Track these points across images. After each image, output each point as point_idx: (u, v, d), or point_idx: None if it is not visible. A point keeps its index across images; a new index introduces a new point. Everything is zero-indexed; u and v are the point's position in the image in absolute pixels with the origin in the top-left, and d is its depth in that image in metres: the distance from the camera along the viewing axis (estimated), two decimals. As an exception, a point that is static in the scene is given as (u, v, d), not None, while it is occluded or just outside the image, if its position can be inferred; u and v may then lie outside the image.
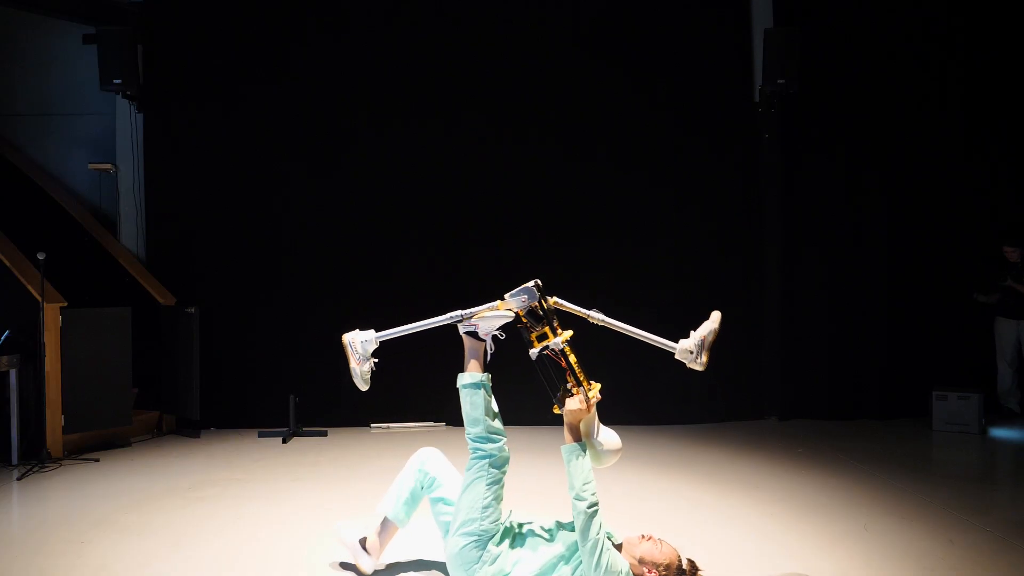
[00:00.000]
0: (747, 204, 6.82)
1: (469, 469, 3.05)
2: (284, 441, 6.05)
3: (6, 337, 5.31)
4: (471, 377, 3.10)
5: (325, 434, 6.26)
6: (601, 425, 3.03)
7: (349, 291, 6.56)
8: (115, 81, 6.40)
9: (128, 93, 6.56)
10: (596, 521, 2.75)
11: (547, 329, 3.01)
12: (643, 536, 2.90)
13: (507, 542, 2.99)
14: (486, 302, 3.16)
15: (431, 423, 6.57)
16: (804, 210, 6.79)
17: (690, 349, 3.09)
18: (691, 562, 2.88)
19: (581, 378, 2.94)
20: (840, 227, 6.77)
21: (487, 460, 3.02)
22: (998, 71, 6.77)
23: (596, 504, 2.77)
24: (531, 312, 3.03)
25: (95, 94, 6.82)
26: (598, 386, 2.96)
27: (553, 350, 2.97)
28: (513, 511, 3.16)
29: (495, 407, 3.13)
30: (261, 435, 6.20)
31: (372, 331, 3.26)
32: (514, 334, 3.11)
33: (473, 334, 3.15)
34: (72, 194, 7.23)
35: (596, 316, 3.14)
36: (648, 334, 3.17)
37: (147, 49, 6.64)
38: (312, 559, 3.61)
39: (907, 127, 6.75)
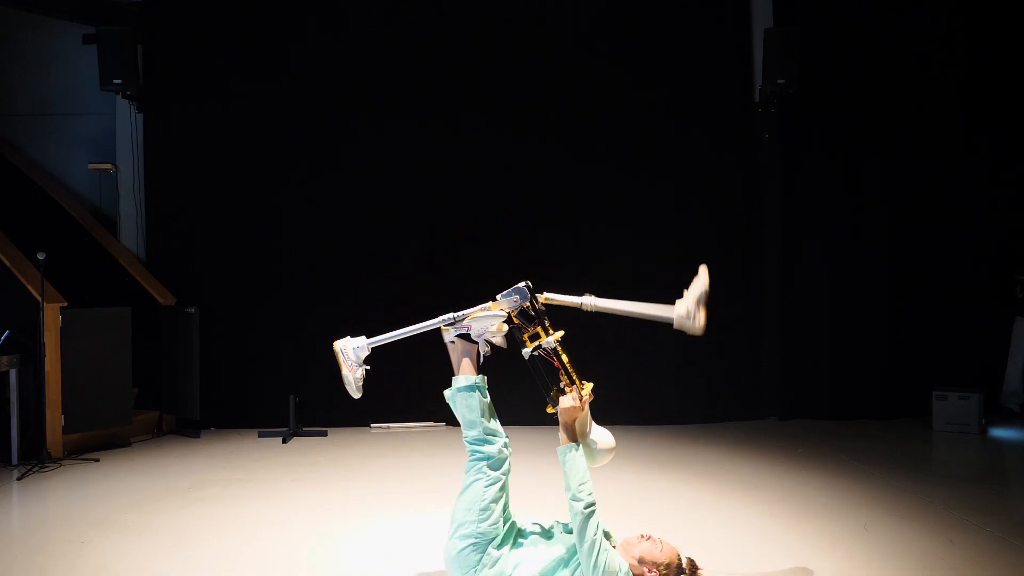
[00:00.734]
0: (747, 204, 6.81)
1: (467, 471, 3.03)
2: (284, 441, 6.05)
3: (6, 337, 5.31)
4: (466, 380, 3.09)
5: (325, 434, 6.26)
6: (594, 424, 3.04)
7: (349, 291, 6.56)
8: (115, 81, 6.40)
9: (128, 93, 6.56)
10: (593, 521, 2.74)
11: (539, 329, 3.02)
12: (642, 536, 2.89)
13: (507, 544, 2.97)
14: (486, 301, 3.17)
15: (431, 423, 6.57)
16: (804, 210, 6.79)
17: (685, 313, 3.05)
18: (691, 561, 2.87)
19: (574, 376, 2.95)
20: (840, 227, 6.76)
21: (485, 462, 2.99)
22: (998, 71, 6.77)
23: (593, 504, 2.77)
24: (523, 312, 3.05)
25: (95, 94, 6.82)
26: (590, 385, 2.98)
27: (545, 349, 2.99)
28: (513, 512, 3.15)
29: (492, 408, 3.11)
30: (261, 435, 6.20)
31: (363, 337, 3.26)
32: (512, 342, 3.12)
33: (466, 336, 3.14)
34: (72, 194, 7.23)
35: (589, 303, 3.12)
36: (643, 307, 3.14)
37: (147, 49, 6.63)
38: (312, 559, 3.62)
39: (907, 127, 6.74)
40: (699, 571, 2.87)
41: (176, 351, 6.18)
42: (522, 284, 3.05)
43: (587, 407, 2.97)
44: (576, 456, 2.85)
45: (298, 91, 6.67)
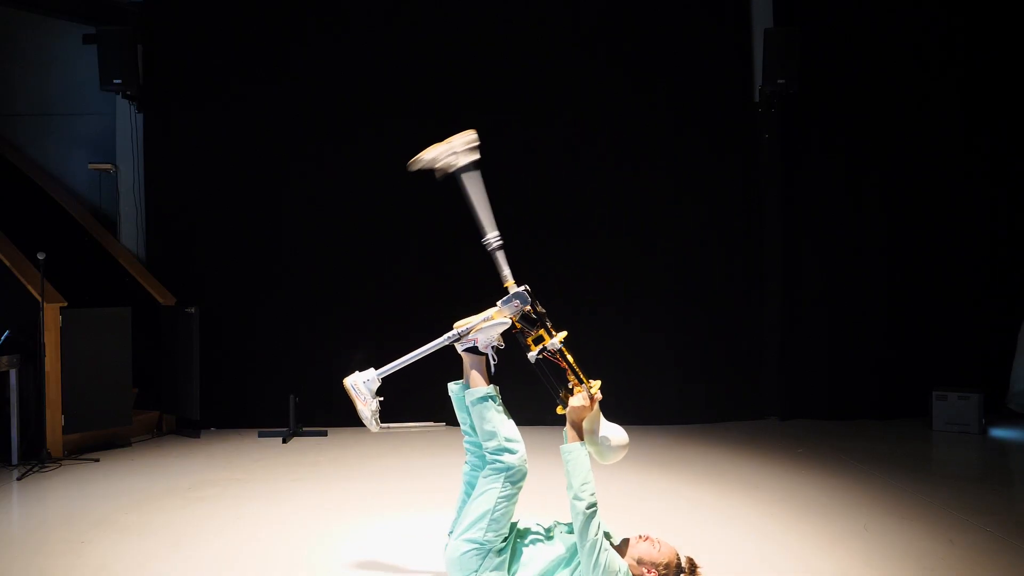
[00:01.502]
0: (747, 204, 6.81)
1: (485, 477, 2.97)
2: (284, 441, 6.05)
3: (6, 337, 5.31)
4: (479, 392, 3.03)
5: (325, 434, 6.26)
6: (605, 421, 3.03)
7: (349, 291, 6.56)
8: (115, 81, 6.40)
9: (128, 93, 6.55)
10: (595, 522, 2.74)
11: (542, 331, 3.02)
12: (641, 536, 2.89)
13: (509, 546, 2.96)
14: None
15: (431, 423, 6.57)
16: (804, 210, 6.79)
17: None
18: (690, 560, 2.87)
19: (581, 376, 2.94)
20: (840, 227, 6.76)
21: (504, 473, 2.92)
22: (998, 71, 6.77)
23: (595, 504, 2.77)
24: (524, 317, 3.04)
25: (95, 94, 6.82)
26: (598, 383, 2.97)
27: (550, 351, 2.98)
28: (514, 512, 3.14)
29: (507, 414, 3.04)
30: (261, 435, 6.20)
31: (372, 369, 3.20)
32: (513, 342, 3.11)
33: (473, 349, 3.10)
34: (72, 194, 7.23)
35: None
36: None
37: (147, 49, 6.64)
38: (312, 559, 3.61)
39: (907, 127, 6.74)
40: (699, 570, 2.87)
41: (176, 351, 6.18)
42: (522, 288, 3.04)
43: (597, 405, 2.96)
44: (579, 456, 2.84)
45: (298, 91, 6.67)
